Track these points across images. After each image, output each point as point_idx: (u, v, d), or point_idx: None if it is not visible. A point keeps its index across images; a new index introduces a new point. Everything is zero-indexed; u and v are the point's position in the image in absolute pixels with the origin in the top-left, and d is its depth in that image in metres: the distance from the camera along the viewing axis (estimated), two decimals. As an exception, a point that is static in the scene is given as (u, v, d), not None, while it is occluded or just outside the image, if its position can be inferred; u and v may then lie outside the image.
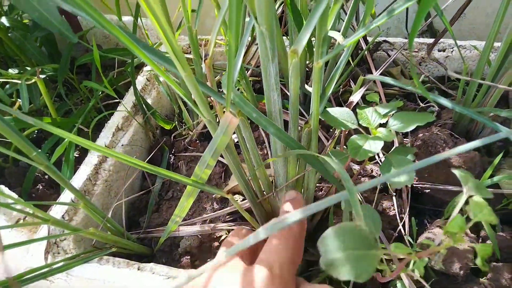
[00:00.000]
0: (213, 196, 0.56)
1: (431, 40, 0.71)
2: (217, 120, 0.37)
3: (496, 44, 0.64)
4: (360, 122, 0.36)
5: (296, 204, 0.39)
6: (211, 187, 0.36)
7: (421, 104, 0.61)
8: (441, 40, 0.70)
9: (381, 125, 0.36)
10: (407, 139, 0.56)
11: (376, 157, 0.55)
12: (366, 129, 0.37)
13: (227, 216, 0.54)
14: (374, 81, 0.71)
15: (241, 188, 0.42)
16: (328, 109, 0.37)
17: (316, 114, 0.35)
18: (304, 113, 0.63)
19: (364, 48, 0.69)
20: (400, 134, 0.59)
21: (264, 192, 0.45)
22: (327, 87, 0.35)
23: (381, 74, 0.70)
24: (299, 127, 0.38)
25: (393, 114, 0.36)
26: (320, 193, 0.54)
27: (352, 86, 0.66)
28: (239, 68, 0.31)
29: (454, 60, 0.70)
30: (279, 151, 0.39)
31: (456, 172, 0.28)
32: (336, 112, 0.36)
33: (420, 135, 0.51)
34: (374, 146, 0.32)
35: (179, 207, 0.39)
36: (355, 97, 0.37)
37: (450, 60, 0.70)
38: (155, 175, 0.63)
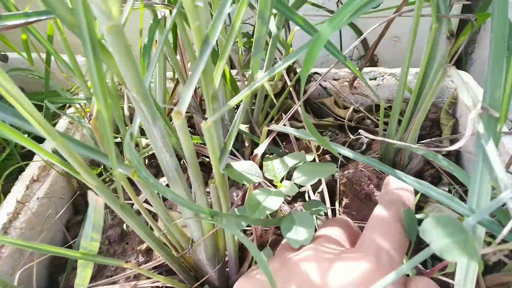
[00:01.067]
0: (138, 248, 0.53)
1: (364, 70, 0.71)
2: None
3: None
4: (265, 175, 0.35)
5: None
6: (104, 258, 0.33)
7: (351, 136, 0.61)
8: (372, 69, 0.71)
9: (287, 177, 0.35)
10: (337, 174, 0.56)
11: (306, 196, 0.53)
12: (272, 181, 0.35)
13: (152, 270, 0.50)
14: (313, 108, 0.71)
15: (151, 247, 0.39)
16: (232, 163, 0.35)
17: (218, 172, 0.33)
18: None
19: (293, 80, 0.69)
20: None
21: (180, 248, 0.42)
22: (228, 142, 0.33)
23: (314, 105, 0.70)
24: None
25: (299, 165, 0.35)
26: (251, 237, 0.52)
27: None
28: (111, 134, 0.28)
29: (385, 87, 0.71)
30: (187, 212, 0.36)
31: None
32: (240, 166, 0.34)
33: (345, 172, 0.50)
34: (273, 202, 0.30)
35: (78, 277, 0.35)
36: (259, 150, 0.35)
37: (381, 88, 0.71)
38: (79, 226, 0.59)
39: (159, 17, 0.47)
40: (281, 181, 0.34)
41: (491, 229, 0.27)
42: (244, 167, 0.34)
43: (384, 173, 0.50)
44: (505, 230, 0.24)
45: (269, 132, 0.38)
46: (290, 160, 0.35)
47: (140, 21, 0.49)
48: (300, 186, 0.54)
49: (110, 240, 0.55)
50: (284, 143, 0.67)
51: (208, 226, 0.40)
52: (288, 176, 0.35)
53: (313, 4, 0.73)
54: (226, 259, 0.46)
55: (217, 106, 0.30)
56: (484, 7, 0.56)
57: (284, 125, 0.49)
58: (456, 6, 0.85)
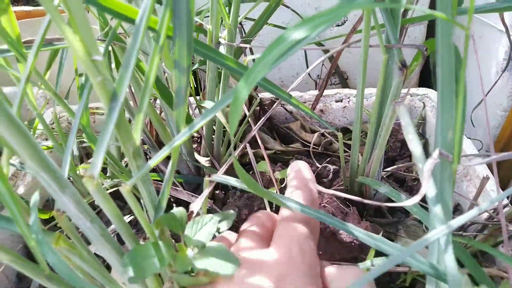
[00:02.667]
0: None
1: (328, 92, 0.69)
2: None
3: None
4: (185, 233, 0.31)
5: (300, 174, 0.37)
6: None
7: (317, 164, 0.58)
8: (337, 91, 0.69)
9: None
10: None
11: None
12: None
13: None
14: (278, 134, 0.68)
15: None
16: (165, 215, 0.30)
17: (151, 233, 0.29)
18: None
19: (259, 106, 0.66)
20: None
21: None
22: (162, 199, 0.29)
23: (281, 130, 0.67)
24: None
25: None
26: None
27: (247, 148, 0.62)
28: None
29: (352, 109, 0.69)
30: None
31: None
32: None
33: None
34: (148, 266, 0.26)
35: None
36: (195, 205, 0.31)
37: (348, 110, 0.69)
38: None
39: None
40: (188, 245, 0.29)
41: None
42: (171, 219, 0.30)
43: (349, 208, 0.47)
44: None
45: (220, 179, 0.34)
46: (211, 222, 0.30)
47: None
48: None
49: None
50: (250, 172, 0.64)
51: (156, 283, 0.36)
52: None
53: (274, 25, 0.71)
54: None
55: (142, 163, 0.27)
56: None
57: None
58: (421, 28, 0.84)
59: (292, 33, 0.19)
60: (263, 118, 0.42)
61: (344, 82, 0.96)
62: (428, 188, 0.27)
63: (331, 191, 0.36)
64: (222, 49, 0.48)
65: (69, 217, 0.28)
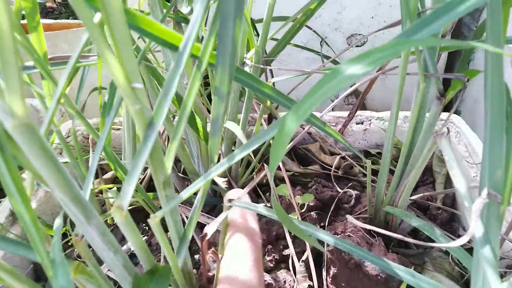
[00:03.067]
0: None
1: (347, 114, 0.67)
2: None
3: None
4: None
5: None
6: None
7: (338, 189, 0.56)
8: (358, 113, 0.68)
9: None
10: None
11: (290, 262, 0.48)
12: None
13: None
14: (293, 156, 0.66)
15: None
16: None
17: (176, 269, 0.28)
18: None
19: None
20: (318, 226, 0.53)
21: None
22: (187, 230, 0.28)
23: (299, 151, 0.65)
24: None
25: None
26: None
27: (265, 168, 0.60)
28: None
29: (374, 132, 0.67)
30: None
31: None
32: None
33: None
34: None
35: None
36: (210, 229, 0.29)
37: (369, 132, 0.67)
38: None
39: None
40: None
41: None
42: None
43: (375, 238, 0.45)
44: None
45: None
46: None
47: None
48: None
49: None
50: (267, 194, 0.62)
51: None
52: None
53: (295, 45, 0.70)
54: None
55: (171, 193, 0.26)
56: (464, 60, 0.53)
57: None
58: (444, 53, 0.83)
59: (347, 68, 0.18)
60: (292, 143, 0.41)
61: (361, 105, 0.94)
62: (476, 228, 0.26)
63: (361, 224, 0.34)
64: (247, 70, 0.47)
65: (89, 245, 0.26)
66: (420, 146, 0.39)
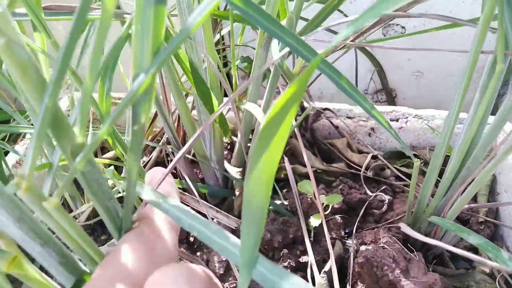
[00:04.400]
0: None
1: (383, 108, 0.60)
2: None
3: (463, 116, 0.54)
4: None
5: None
6: None
7: (367, 191, 0.49)
8: (394, 108, 0.60)
9: None
10: (349, 242, 0.43)
11: (308, 272, 0.41)
12: None
13: None
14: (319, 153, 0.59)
15: None
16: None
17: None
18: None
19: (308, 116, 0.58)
20: (343, 232, 0.46)
21: None
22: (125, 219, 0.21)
23: (323, 146, 0.58)
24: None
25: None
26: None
27: (284, 162, 0.53)
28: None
29: (410, 132, 0.59)
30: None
31: None
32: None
33: (363, 248, 0.38)
34: None
35: None
36: None
37: (404, 131, 0.59)
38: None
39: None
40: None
41: None
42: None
43: (414, 251, 0.38)
44: None
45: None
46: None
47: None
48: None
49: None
50: (285, 190, 0.55)
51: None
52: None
53: (328, 30, 0.63)
54: None
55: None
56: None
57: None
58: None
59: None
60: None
61: (392, 101, 0.86)
62: None
63: (422, 237, 0.27)
64: (275, 42, 0.40)
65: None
66: (485, 145, 0.31)
